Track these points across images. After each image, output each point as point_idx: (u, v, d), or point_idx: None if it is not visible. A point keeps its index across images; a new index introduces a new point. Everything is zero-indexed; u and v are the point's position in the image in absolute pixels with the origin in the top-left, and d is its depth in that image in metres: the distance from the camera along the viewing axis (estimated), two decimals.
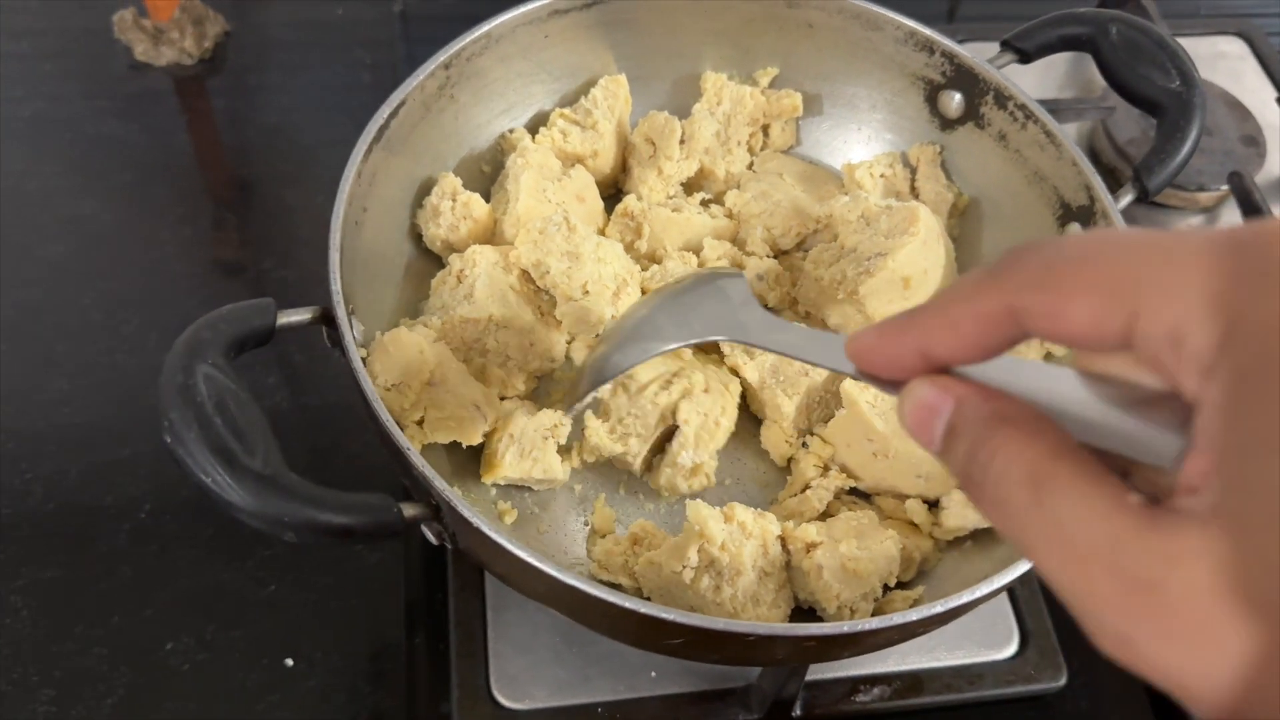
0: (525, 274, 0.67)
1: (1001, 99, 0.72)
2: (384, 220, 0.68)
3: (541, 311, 0.68)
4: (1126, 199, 0.68)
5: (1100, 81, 0.74)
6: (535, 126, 0.76)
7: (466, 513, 0.49)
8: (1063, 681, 0.67)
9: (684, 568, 0.56)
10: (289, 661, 0.66)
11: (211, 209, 0.89)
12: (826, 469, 0.66)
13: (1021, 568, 0.52)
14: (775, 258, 0.75)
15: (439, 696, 0.65)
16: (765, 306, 0.72)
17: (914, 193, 0.77)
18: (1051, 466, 0.26)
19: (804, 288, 0.70)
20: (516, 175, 0.70)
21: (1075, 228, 0.69)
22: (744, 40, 0.79)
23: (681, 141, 0.75)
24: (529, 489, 0.66)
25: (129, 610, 0.67)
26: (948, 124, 0.77)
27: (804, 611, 0.62)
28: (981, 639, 0.68)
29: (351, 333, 0.56)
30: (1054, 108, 0.88)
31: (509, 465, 0.63)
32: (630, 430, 0.64)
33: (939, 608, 0.51)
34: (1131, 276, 0.26)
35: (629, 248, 0.72)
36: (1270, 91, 1.01)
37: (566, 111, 0.76)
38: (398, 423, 0.54)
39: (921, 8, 0.84)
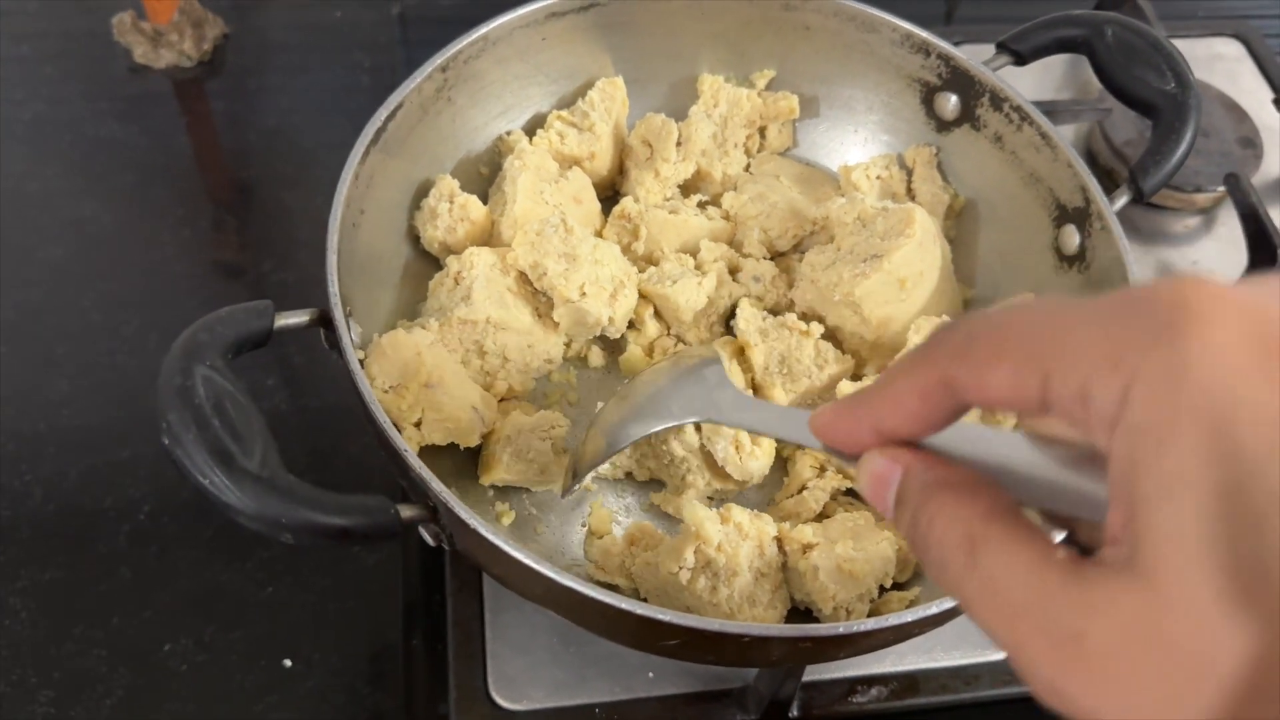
0: (523, 276, 0.67)
1: (997, 101, 0.73)
2: (381, 222, 0.68)
3: (539, 313, 0.68)
4: (1122, 200, 0.68)
5: (1097, 83, 0.74)
6: (532, 129, 0.77)
7: (464, 514, 0.49)
8: None
9: (680, 569, 0.57)
10: (287, 662, 0.66)
11: (211, 211, 0.89)
12: (823, 470, 0.66)
13: None
14: (772, 259, 0.75)
15: (437, 697, 0.65)
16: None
17: (910, 194, 0.78)
18: (984, 528, 0.28)
19: (801, 289, 0.70)
20: (514, 177, 0.70)
21: (1070, 229, 0.69)
22: (741, 43, 0.79)
23: (678, 144, 0.75)
24: (527, 490, 0.66)
25: (128, 611, 0.67)
26: (944, 126, 0.77)
27: (800, 612, 0.62)
28: (978, 639, 0.68)
29: (349, 335, 0.56)
30: (1050, 109, 0.88)
31: (507, 467, 0.63)
32: (683, 473, 0.64)
33: (934, 609, 0.51)
34: (1040, 342, 0.27)
35: (626, 249, 0.72)
36: (1267, 93, 1.01)
37: (564, 114, 0.76)
38: (395, 424, 0.54)
39: (918, 9, 0.84)
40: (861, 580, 0.58)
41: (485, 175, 0.76)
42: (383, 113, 0.65)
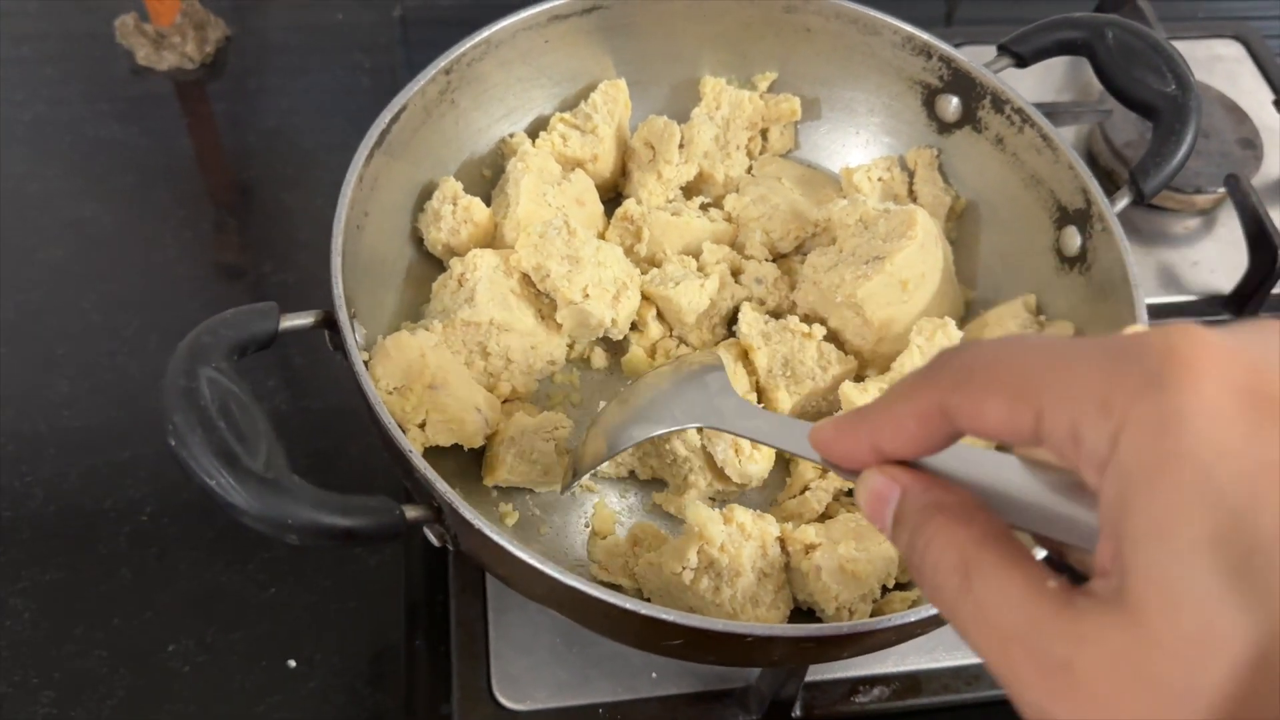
0: (526, 277, 0.67)
1: (998, 103, 0.73)
2: (385, 224, 0.68)
3: (542, 314, 0.68)
4: (1123, 202, 0.69)
5: (1097, 85, 0.74)
6: (535, 131, 0.77)
7: (468, 515, 0.49)
8: None
9: (684, 569, 0.57)
10: (290, 663, 0.66)
11: (212, 212, 0.89)
12: (825, 471, 0.66)
13: None
14: (774, 261, 0.75)
15: (440, 697, 0.65)
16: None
17: (912, 196, 0.78)
18: (977, 553, 0.29)
19: (803, 291, 0.70)
20: (517, 179, 0.70)
21: (1072, 230, 0.69)
22: (742, 45, 0.79)
23: (681, 146, 0.76)
24: (530, 491, 0.66)
25: (129, 612, 0.67)
26: (945, 128, 0.77)
27: (803, 613, 0.62)
28: None
29: (354, 336, 0.56)
30: (1051, 111, 0.89)
31: (510, 468, 0.63)
32: (684, 473, 0.64)
33: (936, 609, 0.51)
34: (1034, 379, 0.28)
35: (629, 251, 0.73)
36: (1267, 94, 1.01)
37: (566, 116, 0.77)
38: (400, 425, 0.54)
39: (919, 12, 0.84)
40: (864, 580, 0.58)
41: (488, 177, 0.76)
42: (386, 115, 0.65)
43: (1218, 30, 1.08)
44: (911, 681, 0.67)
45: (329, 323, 0.56)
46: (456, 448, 0.63)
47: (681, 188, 0.78)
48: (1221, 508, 0.24)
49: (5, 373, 0.77)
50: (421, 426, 0.61)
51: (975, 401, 0.29)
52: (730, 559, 0.57)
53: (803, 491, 0.66)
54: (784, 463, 0.68)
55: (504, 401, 0.67)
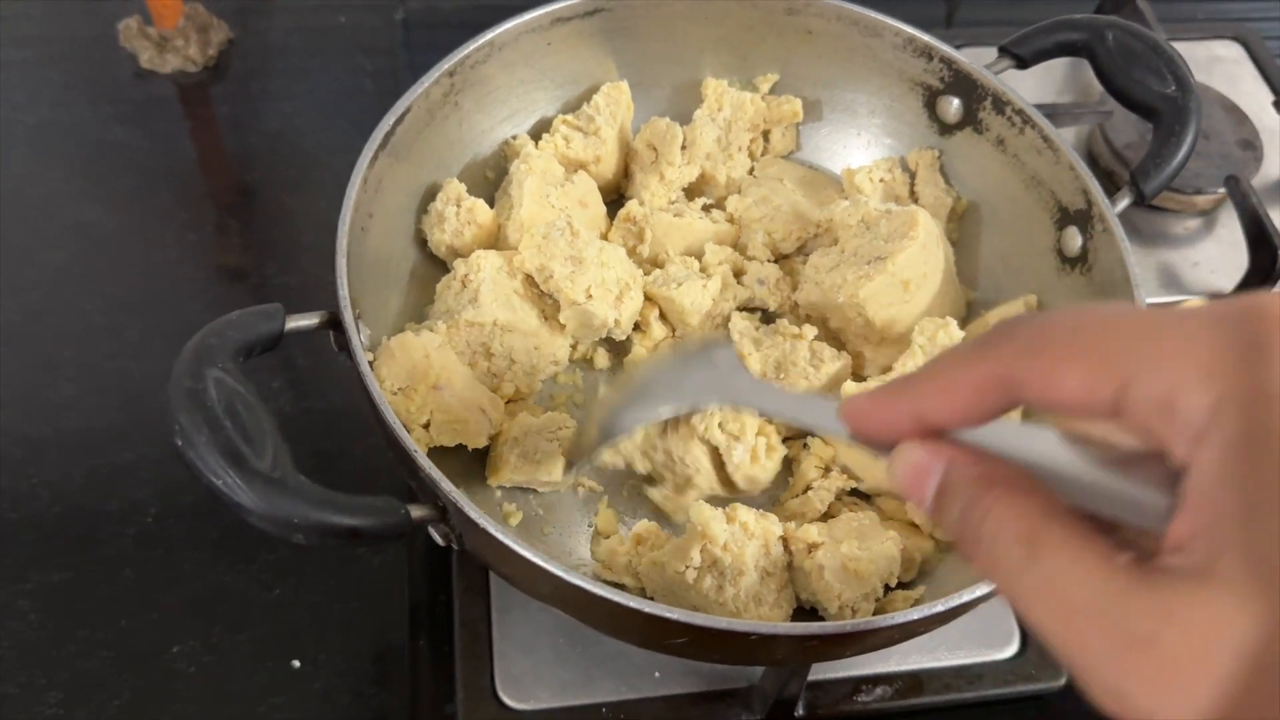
0: (529, 278, 0.68)
1: (999, 104, 0.73)
2: (389, 226, 0.68)
3: (545, 315, 0.68)
4: (1123, 203, 0.69)
5: (1098, 86, 0.75)
6: (538, 133, 0.77)
7: (473, 514, 0.49)
8: (1063, 681, 0.68)
9: (687, 568, 0.57)
10: (294, 664, 0.66)
11: (215, 214, 0.89)
12: (828, 470, 0.66)
13: None
14: (776, 262, 0.75)
15: (444, 697, 0.65)
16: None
17: (913, 197, 0.78)
18: (1043, 525, 0.28)
19: (805, 291, 0.71)
20: (520, 181, 0.70)
21: (1073, 231, 0.69)
22: (744, 47, 0.80)
23: (683, 147, 0.76)
24: (534, 491, 0.66)
25: (134, 613, 0.67)
26: (946, 129, 0.77)
27: (806, 611, 0.62)
28: (982, 639, 0.69)
29: (359, 337, 0.56)
30: (1052, 112, 0.89)
31: (514, 468, 0.63)
32: (687, 473, 0.64)
33: (939, 607, 0.51)
34: (1124, 347, 0.27)
35: (631, 252, 0.73)
36: (1267, 95, 1.02)
37: (569, 118, 0.77)
38: (405, 426, 0.54)
39: (920, 13, 0.84)
40: (866, 579, 0.59)
41: (492, 179, 0.76)
42: (390, 118, 0.65)
43: (1218, 31, 1.08)
44: (914, 681, 0.67)
45: (334, 324, 0.56)
46: (460, 448, 0.63)
47: (684, 189, 0.78)
48: None
49: (8, 375, 0.77)
50: (426, 427, 0.62)
51: (1050, 370, 0.28)
52: (733, 558, 0.57)
53: (805, 491, 0.66)
54: (787, 462, 0.68)
55: (507, 402, 0.67)
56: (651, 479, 0.66)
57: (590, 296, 0.65)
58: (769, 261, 0.75)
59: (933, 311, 0.69)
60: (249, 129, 0.95)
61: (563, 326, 0.68)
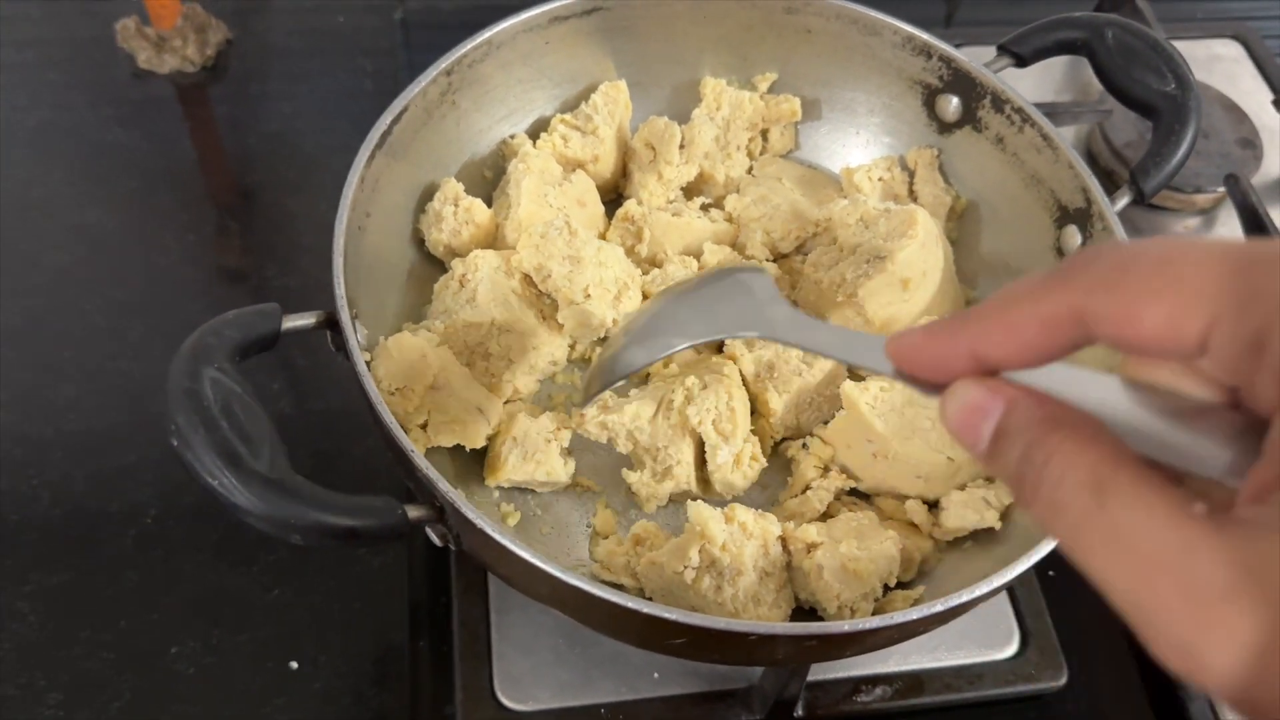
0: (527, 278, 0.67)
1: (999, 103, 0.73)
2: (387, 226, 0.68)
3: (543, 315, 0.68)
4: (1123, 201, 0.69)
5: (1097, 85, 0.75)
6: (536, 132, 0.77)
7: (470, 514, 0.49)
8: (1063, 681, 0.68)
9: (685, 568, 0.57)
10: (294, 665, 0.66)
11: (215, 216, 0.90)
12: (827, 470, 0.66)
13: (1021, 567, 0.53)
14: (775, 261, 0.75)
15: (443, 698, 0.65)
16: None
17: (912, 196, 0.78)
18: (1112, 471, 0.26)
19: (804, 290, 0.71)
20: (518, 180, 0.70)
21: (1072, 230, 0.69)
22: (743, 46, 0.80)
23: (681, 146, 0.76)
24: (532, 491, 0.66)
25: (135, 615, 0.67)
26: (945, 128, 0.77)
27: (805, 611, 0.62)
28: (982, 639, 0.68)
29: (355, 337, 0.56)
30: (1051, 111, 0.89)
31: (512, 468, 0.63)
32: (669, 462, 0.64)
33: (938, 607, 0.51)
34: (1213, 282, 0.25)
35: (630, 252, 0.73)
36: (1266, 94, 1.01)
37: (567, 117, 0.77)
38: (402, 426, 0.54)
39: (919, 12, 0.84)
40: (866, 579, 0.59)
41: (489, 179, 0.76)
42: (387, 117, 0.65)
43: (1217, 30, 1.08)
44: (914, 681, 0.67)
45: (331, 323, 0.56)
46: (458, 448, 0.63)
47: (682, 188, 0.78)
48: None
49: (10, 377, 0.77)
50: (423, 427, 0.62)
51: (1130, 304, 0.26)
52: (732, 558, 0.57)
53: (804, 491, 0.66)
54: (785, 462, 0.68)
55: (506, 402, 0.67)
56: (631, 462, 0.66)
57: (588, 296, 0.65)
58: (768, 260, 0.75)
59: (932, 310, 0.69)
60: (248, 130, 0.95)
61: (561, 326, 0.68)
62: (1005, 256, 0.75)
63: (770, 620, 0.59)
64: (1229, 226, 0.90)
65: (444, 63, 0.69)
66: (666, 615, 0.49)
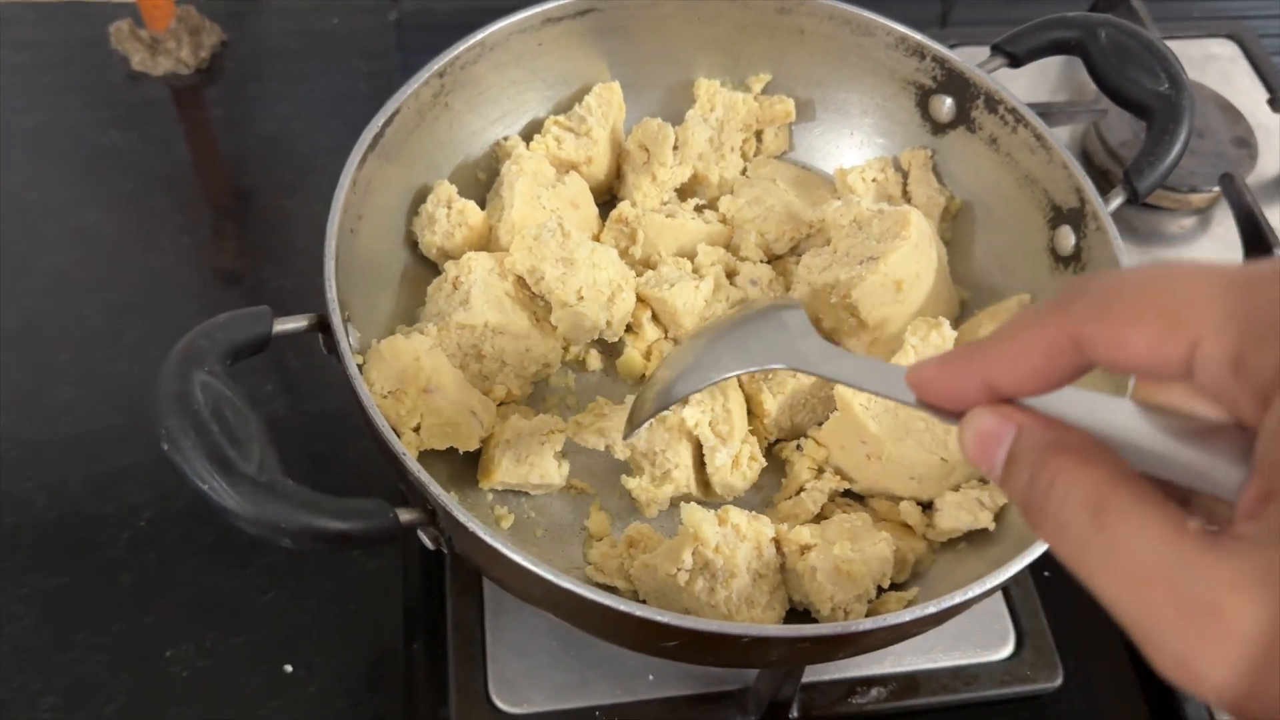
0: (520, 280, 0.67)
1: (992, 103, 0.73)
2: (380, 228, 0.68)
3: (537, 317, 0.68)
4: (1117, 201, 0.69)
5: (1093, 85, 0.75)
6: (530, 134, 0.77)
7: (462, 517, 0.49)
8: (1058, 682, 0.68)
9: (678, 570, 0.57)
10: (289, 668, 0.66)
11: (211, 218, 0.90)
12: (821, 471, 0.66)
13: (1014, 568, 0.53)
14: (769, 262, 0.75)
15: (438, 701, 0.65)
16: None
17: (906, 197, 0.78)
18: (1111, 491, 0.27)
19: (797, 292, 0.70)
20: (511, 182, 0.70)
21: (1066, 230, 0.69)
22: (736, 47, 0.80)
23: (675, 148, 0.76)
24: (526, 494, 0.66)
25: (130, 618, 0.67)
26: (939, 128, 0.77)
27: (799, 613, 0.62)
28: (977, 640, 0.68)
29: (347, 340, 0.56)
30: (1046, 111, 0.89)
31: (506, 470, 0.63)
32: (668, 466, 0.64)
33: (931, 608, 0.51)
34: (1194, 305, 0.26)
35: (623, 253, 0.73)
36: (1261, 93, 1.01)
37: (561, 119, 0.77)
38: (395, 429, 0.54)
39: (915, 13, 0.84)
40: (859, 581, 0.59)
41: (483, 180, 0.76)
42: (380, 118, 0.65)
43: (1212, 30, 1.08)
44: (909, 682, 0.67)
45: (323, 326, 0.56)
46: (451, 451, 0.63)
47: (676, 190, 0.78)
48: None
49: (7, 379, 0.77)
50: (416, 430, 0.62)
51: (1120, 329, 0.27)
52: (725, 560, 0.57)
53: (798, 493, 0.66)
54: (779, 464, 0.68)
55: (499, 404, 0.67)
56: (630, 468, 0.66)
57: (582, 298, 0.65)
58: (762, 262, 0.75)
59: (926, 311, 0.69)
60: (244, 131, 0.95)
61: (554, 328, 0.68)
62: (999, 257, 0.75)
63: (764, 622, 0.59)
64: (1224, 226, 0.90)
65: (436, 64, 0.69)
66: (659, 618, 0.49)
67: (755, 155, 0.81)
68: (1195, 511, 0.30)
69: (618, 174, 0.79)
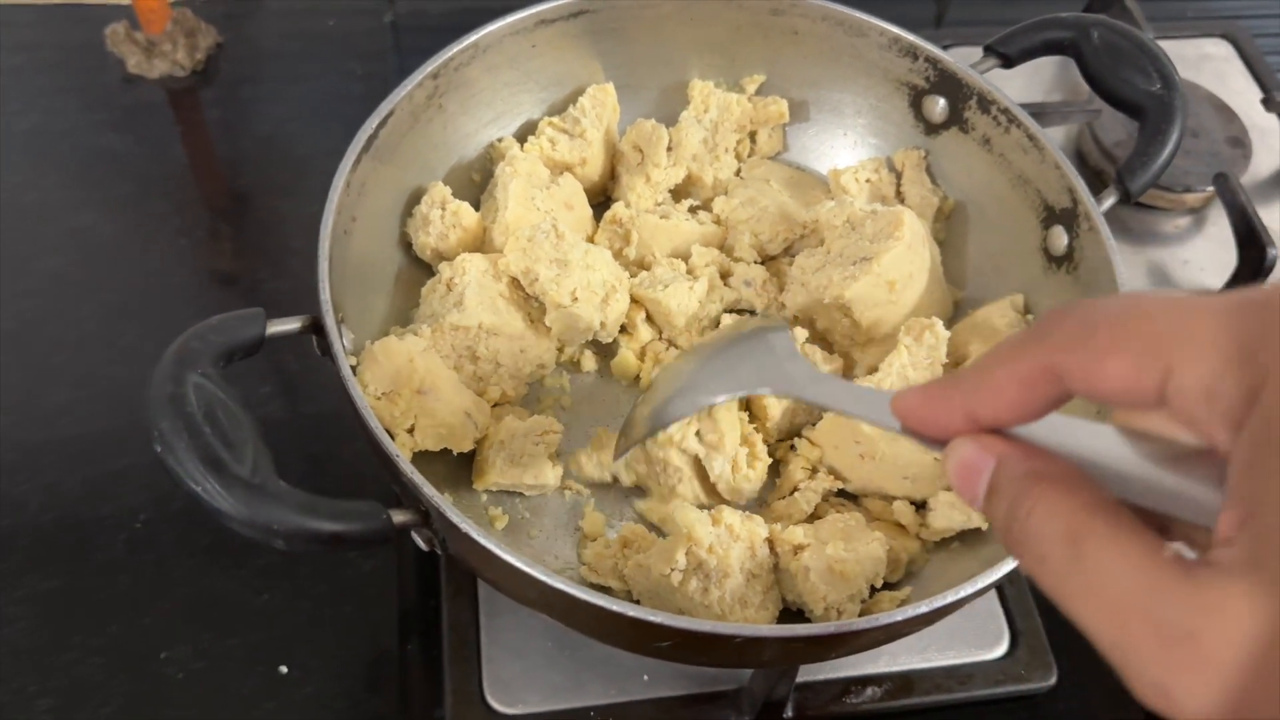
0: (514, 281, 0.68)
1: (985, 103, 0.73)
2: (374, 229, 0.68)
3: (531, 318, 0.68)
4: (1109, 201, 0.69)
5: (1087, 85, 0.75)
6: (524, 135, 0.77)
7: (455, 518, 0.49)
8: (1053, 681, 0.68)
9: (672, 570, 0.57)
10: (284, 669, 0.67)
11: (207, 219, 0.90)
12: (814, 471, 0.66)
13: (1007, 567, 0.53)
14: (763, 263, 0.75)
15: (433, 702, 0.65)
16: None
17: (899, 197, 0.78)
18: (1088, 521, 0.27)
19: (791, 293, 0.71)
20: (505, 183, 0.71)
21: (1059, 230, 0.69)
22: (730, 48, 0.80)
23: (669, 149, 0.76)
24: (520, 495, 0.66)
25: (126, 619, 0.68)
26: (932, 129, 0.77)
27: (792, 613, 0.62)
28: (972, 639, 0.69)
29: (341, 341, 0.56)
30: (1041, 111, 0.89)
31: (500, 471, 0.63)
32: (672, 483, 0.64)
33: (924, 608, 0.51)
34: (1165, 335, 0.26)
35: (618, 254, 0.73)
36: (1255, 93, 1.01)
37: (555, 120, 0.77)
38: (389, 431, 0.54)
39: (909, 14, 0.84)
40: (852, 581, 0.59)
41: (477, 182, 0.77)
42: (374, 120, 0.65)
43: (1207, 30, 1.08)
44: (904, 681, 0.67)
45: (316, 328, 0.57)
46: (445, 452, 0.63)
47: (670, 191, 0.78)
48: None
49: (4, 381, 0.77)
50: (410, 431, 0.62)
51: (1095, 360, 0.28)
52: (719, 560, 0.57)
53: (792, 493, 0.66)
54: (773, 465, 0.68)
55: (493, 405, 0.67)
56: (639, 490, 0.66)
57: (576, 299, 0.65)
58: (756, 263, 0.75)
59: (919, 312, 0.69)
60: (240, 133, 0.95)
61: (548, 329, 0.68)
62: (993, 257, 0.75)
63: (757, 622, 0.59)
64: (1218, 225, 0.90)
65: (430, 66, 0.69)
66: (653, 618, 0.49)
67: (749, 156, 0.82)
68: (1175, 537, 0.30)
69: (612, 175, 0.79)
